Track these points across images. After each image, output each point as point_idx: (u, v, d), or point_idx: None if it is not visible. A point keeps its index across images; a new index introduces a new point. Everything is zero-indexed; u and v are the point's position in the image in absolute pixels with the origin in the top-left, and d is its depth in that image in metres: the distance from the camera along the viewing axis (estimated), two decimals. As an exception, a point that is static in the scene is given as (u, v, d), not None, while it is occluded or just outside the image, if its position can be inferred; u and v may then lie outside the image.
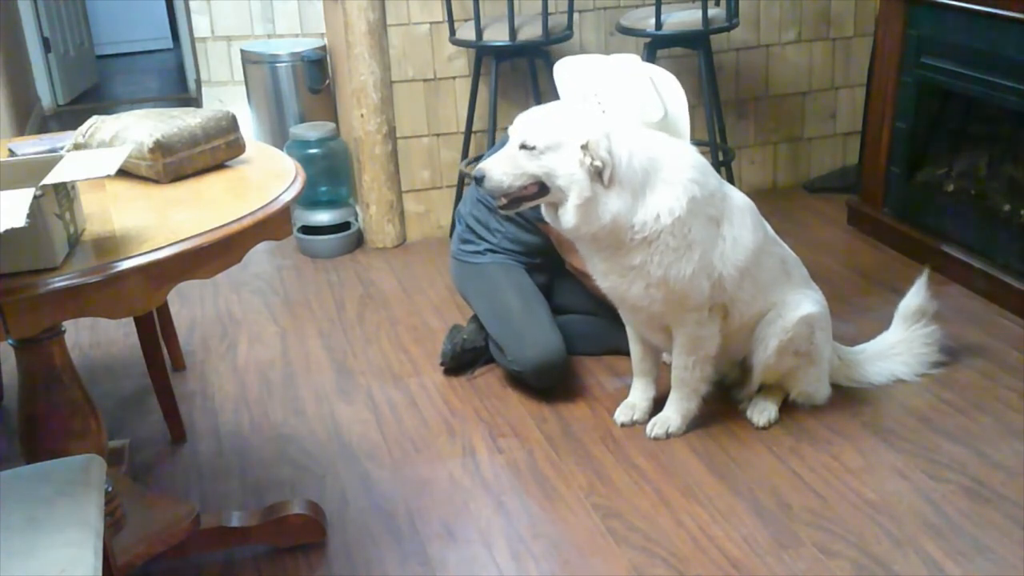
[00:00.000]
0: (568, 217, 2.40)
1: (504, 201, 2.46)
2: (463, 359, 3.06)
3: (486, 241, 3.12)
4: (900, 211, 3.83)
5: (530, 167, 2.40)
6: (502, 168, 2.41)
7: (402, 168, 4.11)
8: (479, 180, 2.43)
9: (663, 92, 2.74)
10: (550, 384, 2.93)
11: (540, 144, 2.38)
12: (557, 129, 2.38)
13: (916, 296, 2.92)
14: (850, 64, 4.48)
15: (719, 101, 3.93)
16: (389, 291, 3.74)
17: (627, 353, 2.87)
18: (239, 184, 2.18)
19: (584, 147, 2.35)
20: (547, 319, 2.97)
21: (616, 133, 2.40)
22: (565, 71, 2.78)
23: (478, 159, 3.12)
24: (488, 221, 3.10)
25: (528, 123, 2.42)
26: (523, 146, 2.39)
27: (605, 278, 2.57)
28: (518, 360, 2.90)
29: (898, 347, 2.93)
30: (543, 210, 2.53)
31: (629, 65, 2.77)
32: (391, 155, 4.06)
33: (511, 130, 2.46)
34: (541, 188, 2.43)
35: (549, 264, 3.11)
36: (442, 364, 3.09)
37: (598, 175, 2.36)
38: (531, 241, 3.06)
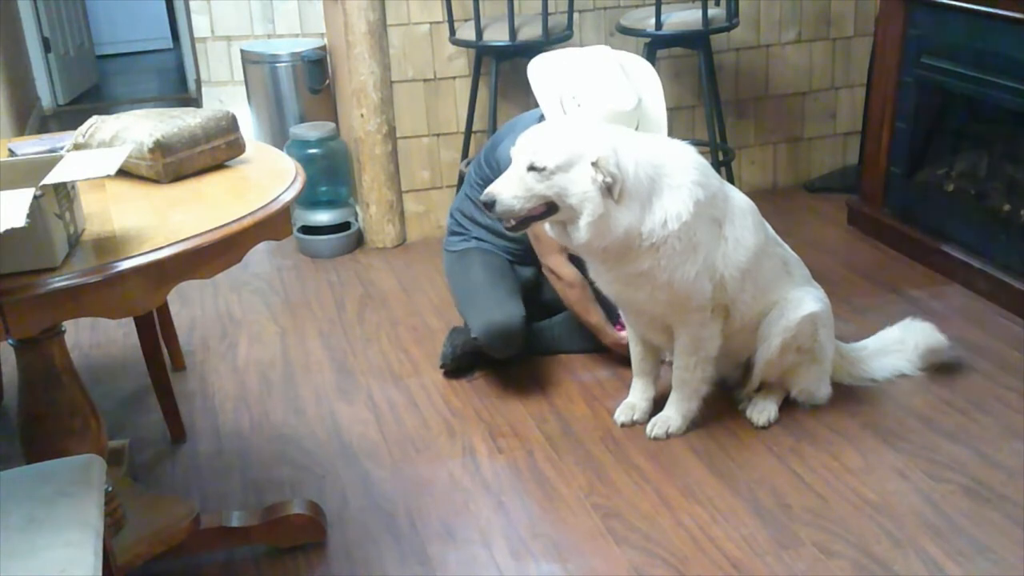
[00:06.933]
0: (580, 234, 2.38)
1: (513, 223, 2.44)
2: (463, 361, 3.06)
3: (471, 232, 3.17)
4: (900, 211, 3.83)
5: (540, 188, 2.35)
6: (512, 192, 2.37)
7: (402, 168, 4.11)
8: (489, 206, 2.39)
9: (635, 80, 2.74)
10: (506, 352, 2.96)
11: (550, 165, 2.34)
12: (565, 148, 2.34)
13: (933, 337, 2.92)
14: (850, 64, 4.48)
15: (719, 101, 3.93)
16: (389, 291, 3.74)
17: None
18: (239, 184, 2.18)
19: (595, 164, 2.32)
20: (507, 290, 3.01)
21: (621, 145, 2.37)
22: (538, 69, 2.78)
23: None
24: (473, 215, 3.14)
25: (534, 143, 2.37)
26: (532, 167, 2.36)
27: (611, 285, 2.57)
28: (474, 327, 2.94)
29: (899, 343, 2.94)
30: (547, 227, 2.50)
31: (599, 57, 2.76)
32: (391, 155, 4.06)
33: (514, 151, 2.41)
34: (550, 207, 2.40)
35: (534, 257, 3.11)
36: (442, 367, 3.09)
37: (608, 191, 2.34)
38: (512, 234, 3.08)
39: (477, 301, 3.00)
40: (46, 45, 6.65)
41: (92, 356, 3.34)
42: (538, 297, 3.18)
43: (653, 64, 3.07)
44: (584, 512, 2.43)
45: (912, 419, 2.73)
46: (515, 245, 3.12)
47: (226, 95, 4.94)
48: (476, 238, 3.16)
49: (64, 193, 1.77)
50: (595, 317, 3.02)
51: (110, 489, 1.96)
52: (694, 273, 2.47)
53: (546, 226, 2.50)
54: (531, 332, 3.05)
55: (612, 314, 2.99)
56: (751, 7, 4.23)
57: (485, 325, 2.92)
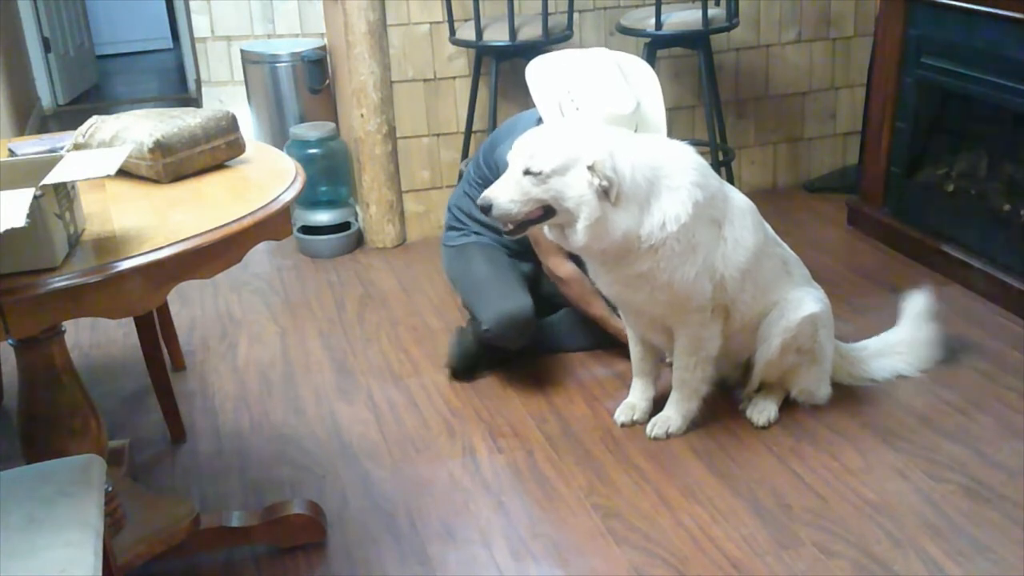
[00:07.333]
0: (578, 237, 2.38)
1: (511, 227, 2.44)
2: (471, 362, 3.06)
3: (470, 228, 3.18)
4: (900, 211, 3.83)
5: (537, 192, 2.36)
6: (508, 195, 2.37)
7: (402, 168, 4.11)
8: (486, 209, 2.40)
9: (634, 82, 2.74)
10: (518, 342, 2.96)
11: (546, 169, 2.34)
12: (561, 152, 2.34)
13: (922, 297, 2.94)
14: (850, 64, 4.48)
15: (719, 101, 3.93)
16: (389, 291, 3.74)
17: (622, 345, 2.87)
18: (239, 184, 2.18)
19: (591, 168, 2.32)
20: (513, 280, 3.03)
21: (618, 148, 2.37)
22: (536, 72, 2.78)
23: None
24: (472, 211, 3.14)
25: (530, 147, 2.38)
26: (528, 172, 2.36)
27: (610, 287, 2.57)
28: (485, 319, 2.94)
29: (900, 346, 2.94)
30: (546, 230, 2.50)
31: (597, 59, 2.76)
32: (391, 155, 4.06)
33: (511, 155, 2.42)
34: (547, 211, 2.40)
35: (533, 252, 3.11)
36: (447, 366, 3.09)
37: (605, 194, 2.34)
38: (511, 238, 3.09)
39: (484, 293, 3.00)
40: (46, 45, 6.65)
41: (92, 356, 3.34)
42: (537, 291, 3.18)
43: (653, 64, 3.08)
44: (584, 512, 2.43)
45: (912, 419, 2.73)
46: (513, 242, 3.12)
47: (226, 95, 4.94)
48: (475, 232, 3.17)
49: (64, 193, 1.77)
50: (597, 310, 3.02)
51: (110, 489, 1.96)
52: (693, 274, 2.47)
53: (544, 229, 2.50)
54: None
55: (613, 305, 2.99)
56: (751, 7, 4.23)
57: (496, 316, 2.91)
